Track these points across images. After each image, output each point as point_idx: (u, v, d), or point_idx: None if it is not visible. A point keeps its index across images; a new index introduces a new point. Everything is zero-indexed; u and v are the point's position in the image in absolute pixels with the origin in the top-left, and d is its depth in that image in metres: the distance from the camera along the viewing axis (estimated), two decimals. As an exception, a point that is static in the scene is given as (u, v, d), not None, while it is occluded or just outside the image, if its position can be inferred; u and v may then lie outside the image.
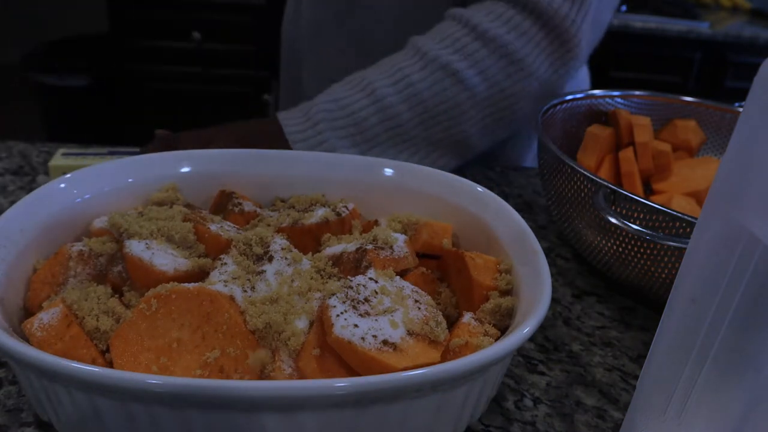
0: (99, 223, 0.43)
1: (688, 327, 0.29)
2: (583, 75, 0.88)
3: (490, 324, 0.38)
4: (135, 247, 0.38)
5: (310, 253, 0.42)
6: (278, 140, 0.64)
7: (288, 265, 0.39)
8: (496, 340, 0.35)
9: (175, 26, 2.07)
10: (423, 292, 0.39)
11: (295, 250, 0.40)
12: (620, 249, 0.51)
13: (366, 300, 0.36)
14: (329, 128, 0.64)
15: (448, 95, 0.65)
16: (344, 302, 0.35)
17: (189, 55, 2.11)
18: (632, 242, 0.49)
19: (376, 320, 0.34)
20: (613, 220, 0.47)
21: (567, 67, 0.68)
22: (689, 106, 0.71)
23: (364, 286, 0.37)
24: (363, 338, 0.33)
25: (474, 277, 0.40)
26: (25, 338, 0.34)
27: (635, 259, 0.50)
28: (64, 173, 0.58)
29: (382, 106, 0.64)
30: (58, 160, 0.61)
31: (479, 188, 0.48)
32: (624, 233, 0.49)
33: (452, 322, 0.39)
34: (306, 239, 0.44)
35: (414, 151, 0.67)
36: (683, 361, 0.29)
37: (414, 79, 0.64)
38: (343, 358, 0.33)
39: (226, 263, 0.39)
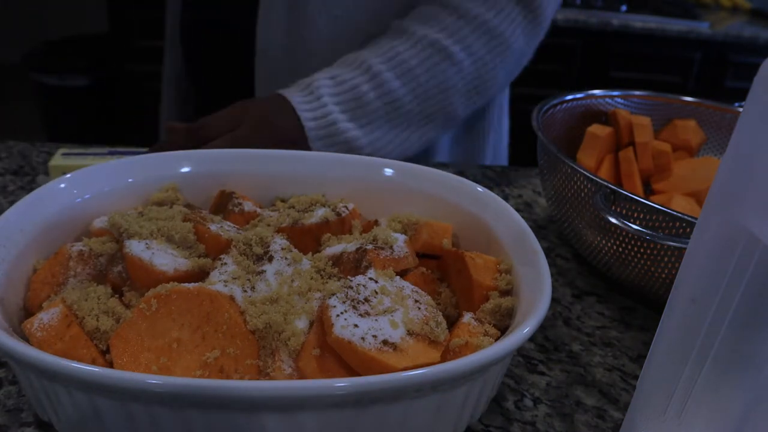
0: (99, 223, 0.43)
1: (688, 327, 0.29)
2: (504, 125, 0.94)
3: (490, 324, 0.38)
4: (135, 247, 0.38)
5: (310, 253, 0.42)
6: (289, 113, 0.65)
7: (288, 265, 0.39)
8: (496, 340, 0.35)
9: (175, 26, 2.07)
10: (423, 292, 0.39)
11: (295, 250, 0.40)
12: (620, 249, 0.51)
13: (366, 300, 0.36)
14: (331, 101, 0.66)
15: (438, 70, 0.69)
16: (344, 302, 0.35)
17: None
18: (632, 242, 0.49)
19: (376, 320, 0.34)
20: (613, 220, 0.47)
21: (537, 38, 0.75)
22: (689, 106, 0.71)
23: (364, 286, 0.37)
24: (363, 338, 0.33)
25: (474, 277, 0.40)
26: (25, 338, 0.34)
27: (635, 259, 0.50)
28: (64, 173, 0.58)
29: (380, 82, 0.67)
30: (58, 160, 0.61)
31: (479, 188, 0.48)
32: (624, 233, 0.49)
33: (452, 322, 0.39)
34: (306, 239, 0.44)
35: (407, 125, 0.70)
36: (683, 361, 0.29)
37: (406, 57, 0.68)
38: (343, 358, 0.33)
39: (226, 263, 0.39)
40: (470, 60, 0.70)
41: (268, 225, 0.44)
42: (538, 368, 0.46)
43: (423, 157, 0.82)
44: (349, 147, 0.67)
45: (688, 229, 0.45)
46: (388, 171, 0.50)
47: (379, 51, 0.69)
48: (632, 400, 0.34)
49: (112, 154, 0.62)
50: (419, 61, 0.68)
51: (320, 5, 0.71)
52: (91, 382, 0.28)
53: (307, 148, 0.66)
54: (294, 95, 0.66)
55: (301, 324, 0.35)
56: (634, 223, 0.46)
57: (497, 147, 0.92)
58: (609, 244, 0.52)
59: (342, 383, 0.29)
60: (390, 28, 0.71)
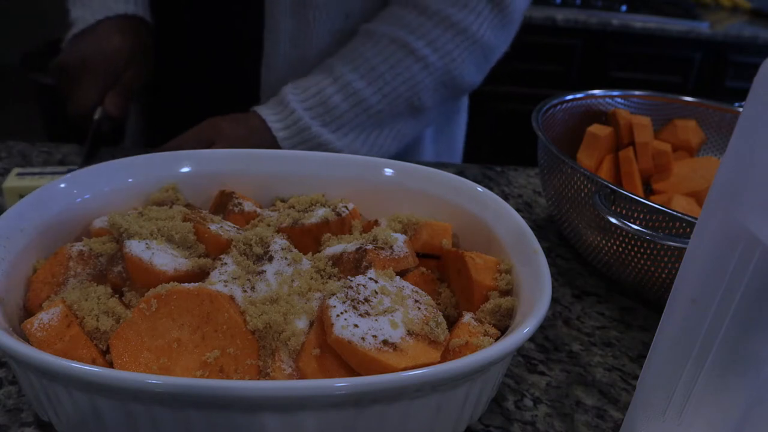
0: (99, 223, 0.43)
1: (688, 327, 0.29)
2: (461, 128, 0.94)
3: (490, 324, 0.38)
4: (135, 247, 0.38)
5: (310, 253, 0.42)
6: (261, 128, 0.67)
7: (288, 265, 0.39)
8: (496, 340, 0.35)
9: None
10: (423, 292, 0.39)
11: (295, 250, 0.40)
12: (620, 249, 0.51)
13: (366, 300, 0.36)
14: (300, 108, 0.67)
15: (403, 67, 0.70)
16: (344, 302, 0.35)
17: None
18: (632, 242, 0.49)
19: (376, 320, 0.34)
20: (613, 220, 0.47)
21: (507, 32, 0.75)
22: (689, 106, 0.71)
23: (364, 286, 0.37)
24: (363, 338, 0.33)
25: (474, 277, 0.40)
26: (26, 338, 0.34)
27: (635, 259, 0.50)
28: (20, 195, 0.56)
29: (344, 84, 0.68)
30: (12, 180, 0.58)
31: (479, 188, 0.48)
32: (624, 233, 0.49)
33: (452, 322, 0.39)
34: (306, 239, 0.44)
35: (378, 124, 0.71)
36: (683, 361, 0.29)
37: (370, 56, 0.69)
38: (343, 358, 0.33)
39: (226, 263, 0.39)
40: (436, 56, 0.70)
41: (268, 225, 0.44)
42: (538, 368, 0.46)
43: (404, 155, 0.83)
44: (325, 150, 0.68)
45: (688, 229, 0.45)
46: (388, 171, 0.50)
47: (344, 55, 0.70)
48: (632, 400, 0.34)
49: (71, 172, 0.61)
50: (382, 59, 0.69)
51: (323, 16, 0.72)
52: (91, 382, 0.28)
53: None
54: (264, 109, 0.68)
55: (301, 324, 0.35)
56: (634, 223, 0.46)
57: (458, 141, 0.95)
58: (609, 244, 0.52)
59: (342, 383, 0.29)
60: (358, 33, 0.73)
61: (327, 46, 0.74)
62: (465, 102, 0.93)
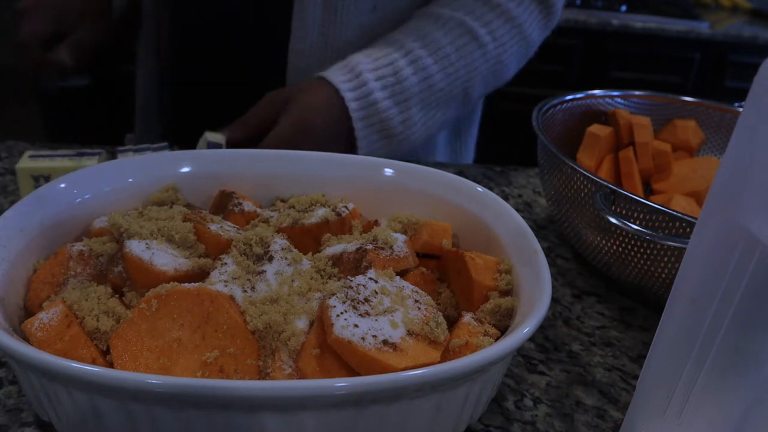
0: (99, 223, 0.43)
1: (688, 327, 0.29)
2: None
3: (490, 324, 0.38)
4: (135, 247, 0.38)
5: (310, 253, 0.42)
6: (330, 98, 0.67)
7: (288, 265, 0.39)
8: (496, 340, 0.35)
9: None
10: (423, 292, 0.39)
11: (295, 250, 0.40)
12: (620, 249, 0.51)
13: (366, 300, 0.36)
14: (372, 79, 0.67)
15: (466, 51, 0.71)
16: (344, 302, 0.35)
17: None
18: (632, 242, 0.49)
19: (376, 320, 0.34)
20: (613, 220, 0.47)
21: (547, 31, 0.79)
22: (689, 106, 0.71)
23: (364, 286, 0.37)
24: (363, 338, 0.33)
25: (474, 277, 0.40)
26: (26, 338, 0.34)
27: (635, 259, 0.50)
28: (32, 176, 0.58)
29: (415, 59, 0.69)
30: (25, 162, 0.59)
31: (479, 188, 0.48)
32: (624, 233, 0.49)
33: (452, 322, 0.39)
34: (306, 239, 0.44)
35: (435, 104, 0.72)
36: (683, 361, 0.29)
37: (438, 36, 0.71)
38: (343, 358, 0.33)
39: (226, 263, 0.39)
40: (494, 44, 0.73)
41: (268, 225, 0.44)
42: (538, 368, 0.46)
43: (423, 155, 0.83)
44: (383, 127, 0.68)
45: (688, 229, 0.45)
46: (388, 171, 0.50)
47: (411, 32, 0.71)
48: (632, 400, 0.34)
49: (80, 155, 0.61)
50: (450, 40, 0.70)
51: (351, 7, 0.73)
52: (91, 382, 0.28)
53: (348, 131, 0.67)
54: (335, 76, 0.67)
55: (301, 324, 0.35)
56: (634, 223, 0.46)
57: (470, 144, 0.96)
58: (609, 244, 0.52)
59: (342, 383, 0.29)
60: (414, 16, 0.74)
61: (354, 37, 0.74)
62: (479, 110, 0.93)
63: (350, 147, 0.70)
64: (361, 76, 0.67)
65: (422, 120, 0.72)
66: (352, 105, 0.67)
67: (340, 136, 0.68)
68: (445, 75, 0.71)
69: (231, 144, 0.64)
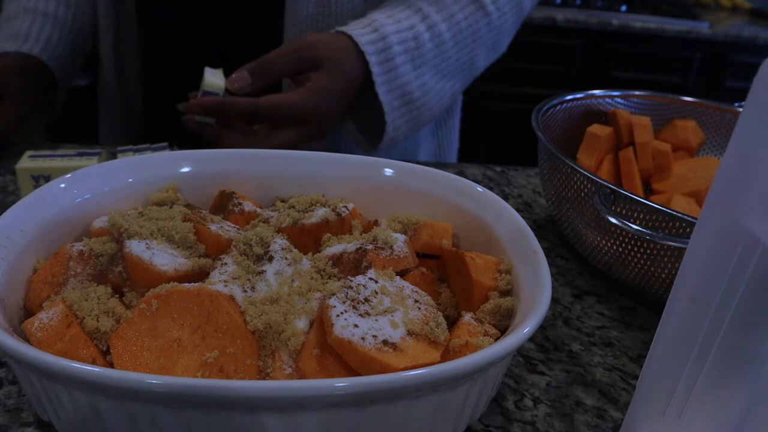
0: (99, 223, 0.43)
1: (688, 327, 0.29)
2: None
3: (490, 324, 0.38)
4: (135, 247, 0.38)
5: (310, 253, 0.42)
6: (352, 52, 0.66)
7: (288, 265, 0.39)
8: (496, 340, 0.35)
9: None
10: (423, 292, 0.39)
11: (295, 250, 0.40)
12: (620, 249, 0.51)
13: (366, 300, 0.36)
14: (394, 40, 0.68)
15: (474, 19, 0.73)
16: (344, 302, 0.35)
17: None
18: (632, 242, 0.49)
19: (376, 320, 0.34)
20: (613, 220, 0.47)
21: (536, 1, 0.82)
22: (689, 106, 0.71)
23: (364, 286, 0.37)
24: (363, 338, 0.33)
25: (474, 277, 0.40)
26: (26, 338, 0.34)
27: (635, 259, 0.50)
28: (32, 176, 0.58)
29: (432, 24, 0.70)
30: (25, 162, 0.59)
31: (479, 188, 0.48)
32: (624, 233, 0.49)
33: (452, 322, 0.39)
34: (306, 239, 0.44)
35: (446, 73, 0.73)
36: (683, 361, 0.29)
37: (452, 8, 0.72)
38: (343, 358, 0.33)
39: (226, 263, 0.39)
40: (497, 14, 0.74)
41: (269, 225, 0.44)
42: (538, 368, 0.46)
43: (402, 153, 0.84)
44: (402, 92, 0.68)
45: (688, 229, 0.45)
46: (388, 171, 0.50)
47: (430, 1, 0.71)
48: (632, 400, 0.34)
49: (80, 155, 0.61)
50: (459, 8, 0.72)
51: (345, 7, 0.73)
52: (91, 382, 0.28)
53: (367, 88, 0.67)
54: (357, 33, 0.67)
55: (301, 324, 0.35)
56: (634, 223, 0.46)
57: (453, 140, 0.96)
58: (609, 244, 0.52)
59: (342, 383, 0.29)
60: None
61: (348, 7, 0.74)
62: (459, 101, 0.94)
63: (362, 114, 0.70)
64: (386, 39, 0.67)
65: (435, 88, 0.72)
66: (375, 69, 0.67)
67: (353, 106, 0.68)
68: (455, 43, 0.72)
69: (244, 93, 0.63)
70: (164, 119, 0.75)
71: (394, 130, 0.71)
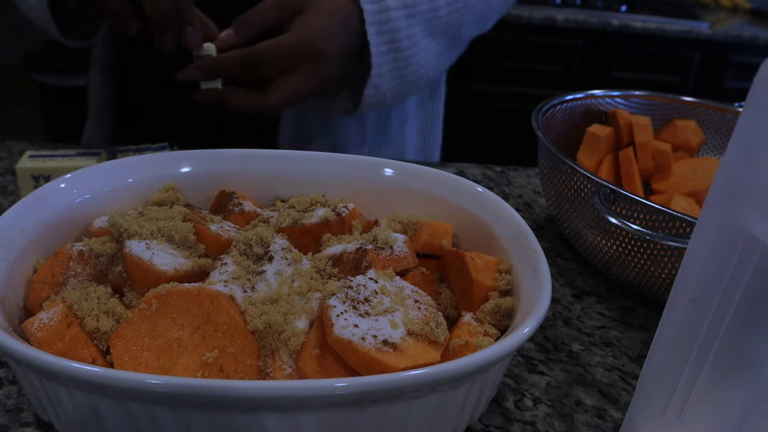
0: (99, 223, 0.43)
1: (688, 327, 0.29)
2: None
3: (490, 324, 0.38)
4: (135, 247, 0.38)
5: (310, 253, 0.42)
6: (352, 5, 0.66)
7: (288, 265, 0.39)
8: (496, 340, 0.35)
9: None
10: (423, 292, 0.39)
11: (295, 250, 0.40)
12: (620, 249, 0.51)
13: (366, 300, 0.36)
14: None
15: None
16: (344, 302, 0.35)
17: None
18: (632, 242, 0.49)
19: (376, 320, 0.34)
20: (613, 220, 0.47)
21: None
22: (689, 106, 0.71)
23: (364, 286, 0.37)
24: (363, 338, 0.33)
25: (474, 277, 0.40)
26: (26, 338, 0.34)
27: (635, 259, 0.50)
28: (32, 176, 0.58)
29: None
30: (25, 162, 0.59)
31: (479, 188, 0.48)
32: (624, 233, 0.49)
33: (452, 322, 0.39)
34: (306, 239, 0.44)
35: (435, 35, 0.73)
36: (683, 361, 0.29)
37: None
38: (343, 358, 0.33)
39: (226, 263, 0.39)
40: None
41: (268, 225, 0.44)
42: (538, 368, 0.46)
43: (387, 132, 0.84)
44: (392, 38, 0.67)
45: (688, 229, 0.45)
46: (388, 171, 0.50)
47: None
48: (632, 400, 0.34)
49: (80, 155, 0.61)
50: None
51: None
52: (91, 382, 0.28)
53: (360, 32, 0.66)
54: None
55: (301, 324, 0.35)
56: (634, 223, 0.46)
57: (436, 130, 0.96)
58: (609, 244, 0.52)
59: (342, 383, 0.29)
60: None
61: None
62: (443, 84, 0.94)
63: (357, 57, 0.68)
64: None
65: (423, 43, 0.72)
66: (367, 7, 0.65)
67: (352, 47, 0.67)
68: (447, 3, 0.72)
69: (229, 47, 0.61)
70: (142, 117, 0.74)
71: (379, 76, 0.69)
